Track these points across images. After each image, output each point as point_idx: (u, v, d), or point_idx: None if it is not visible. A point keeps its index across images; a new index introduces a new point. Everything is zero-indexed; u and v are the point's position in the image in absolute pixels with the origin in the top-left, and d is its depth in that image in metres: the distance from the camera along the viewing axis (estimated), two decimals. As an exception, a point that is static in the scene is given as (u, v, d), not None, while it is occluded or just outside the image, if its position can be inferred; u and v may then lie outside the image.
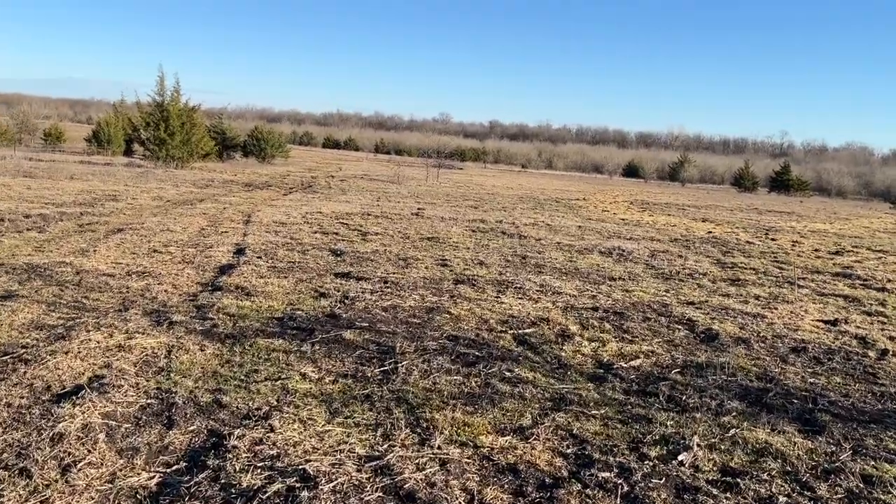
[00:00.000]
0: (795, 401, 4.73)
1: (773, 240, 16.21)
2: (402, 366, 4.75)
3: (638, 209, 26.68)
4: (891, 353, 6.30)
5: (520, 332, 6.02)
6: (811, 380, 5.32)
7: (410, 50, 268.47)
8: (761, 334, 6.69)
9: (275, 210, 15.47)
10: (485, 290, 7.69)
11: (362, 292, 7.09)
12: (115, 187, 18.96)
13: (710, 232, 17.86)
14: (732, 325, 7.00)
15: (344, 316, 6.02)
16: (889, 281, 10.97)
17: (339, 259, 9.40)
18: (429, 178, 36.69)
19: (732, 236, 16.83)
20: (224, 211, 14.90)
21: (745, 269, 11.30)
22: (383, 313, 6.24)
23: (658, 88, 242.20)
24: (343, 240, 11.41)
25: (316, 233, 12.06)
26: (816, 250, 14.59)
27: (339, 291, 7.10)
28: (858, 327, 7.38)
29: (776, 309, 8.00)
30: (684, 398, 4.62)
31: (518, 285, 8.18)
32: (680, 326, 6.76)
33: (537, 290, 7.98)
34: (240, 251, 9.56)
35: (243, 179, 26.94)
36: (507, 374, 4.77)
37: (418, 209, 18.37)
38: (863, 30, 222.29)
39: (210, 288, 7.04)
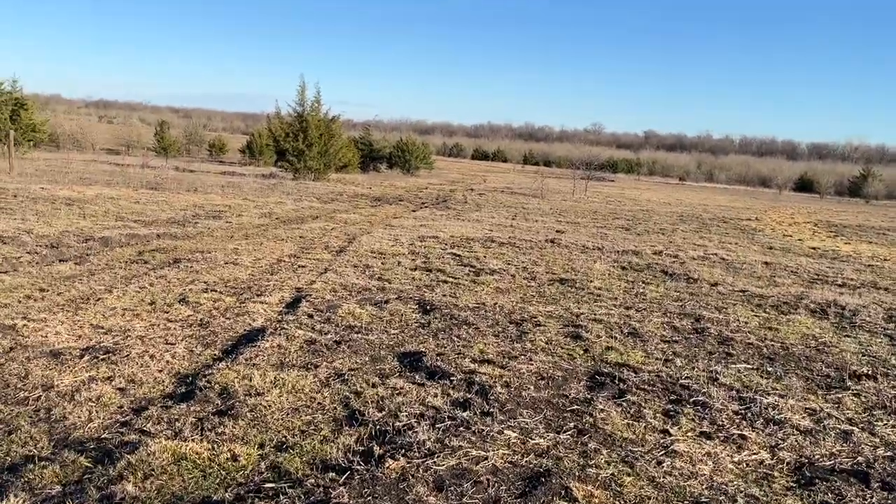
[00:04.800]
0: None
1: None
2: None
3: (826, 233, 21.67)
4: None
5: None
6: None
7: (562, 60, 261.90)
8: None
9: (385, 233, 12.76)
10: (641, 414, 4.27)
11: (420, 416, 3.94)
12: (231, 201, 17.18)
13: (947, 272, 13.08)
14: None
15: (343, 509, 2.91)
16: None
17: (423, 320, 6.34)
18: (575, 192, 33.09)
19: None
20: (328, 233, 12.38)
21: None
22: (432, 498, 3.07)
23: (834, 95, 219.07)
24: (446, 281, 8.37)
25: (416, 269, 9.11)
26: None
27: (381, 411, 4.00)
28: None
29: None
30: None
31: (699, 398, 4.67)
32: None
33: (735, 413, 4.45)
34: (295, 302, 6.78)
35: (376, 193, 24.78)
36: None
37: (556, 232, 15.04)
38: None
39: (180, 392, 4.19)
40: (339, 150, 29.42)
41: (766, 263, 12.04)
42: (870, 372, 5.63)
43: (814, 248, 16.12)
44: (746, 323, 7.26)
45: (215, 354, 4.98)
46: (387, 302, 7.02)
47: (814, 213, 34.19)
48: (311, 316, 6.24)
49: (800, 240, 18.28)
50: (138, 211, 13.64)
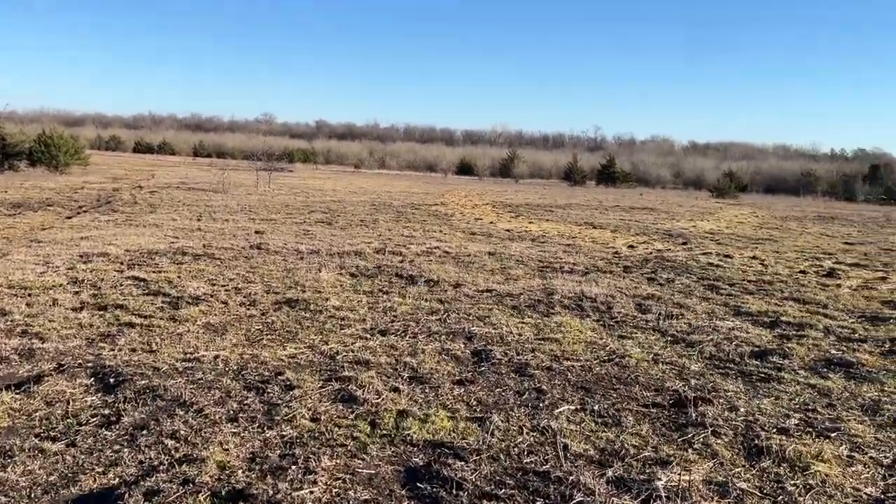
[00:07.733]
0: None
1: (727, 256, 12.46)
2: None
3: (507, 214, 22.62)
4: None
5: None
6: None
7: (228, 47, 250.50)
8: None
9: (31, 253, 9.29)
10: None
11: None
12: None
13: (632, 246, 13.93)
14: None
15: None
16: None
17: (107, 410, 3.88)
18: (259, 185, 30.56)
19: (669, 252, 12.93)
20: (-65, 261, 8.53)
21: (795, 324, 7.13)
22: None
23: (478, 86, 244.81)
24: (133, 325, 5.80)
25: (82, 308, 6.31)
26: (802, 272, 10.93)
27: None
28: None
29: None
30: None
31: (577, 496, 3.18)
32: None
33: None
34: None
35: (15, 197, 19.50)
36: None
37: (257, 233, 12.79)
38: (661, 27, 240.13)
39: None
40: (-45, 144, 22.85)
41: (490, 254, 11.37)
42: (690, 394, 4.73)
43: (508, 231, 16.25)
44: (521, 335, 6.10)
45: None
46: (38, 379, 4.35)
47: (483, 194, 36.38)
48: None
49: (491, 223, 18.51)
50: None
